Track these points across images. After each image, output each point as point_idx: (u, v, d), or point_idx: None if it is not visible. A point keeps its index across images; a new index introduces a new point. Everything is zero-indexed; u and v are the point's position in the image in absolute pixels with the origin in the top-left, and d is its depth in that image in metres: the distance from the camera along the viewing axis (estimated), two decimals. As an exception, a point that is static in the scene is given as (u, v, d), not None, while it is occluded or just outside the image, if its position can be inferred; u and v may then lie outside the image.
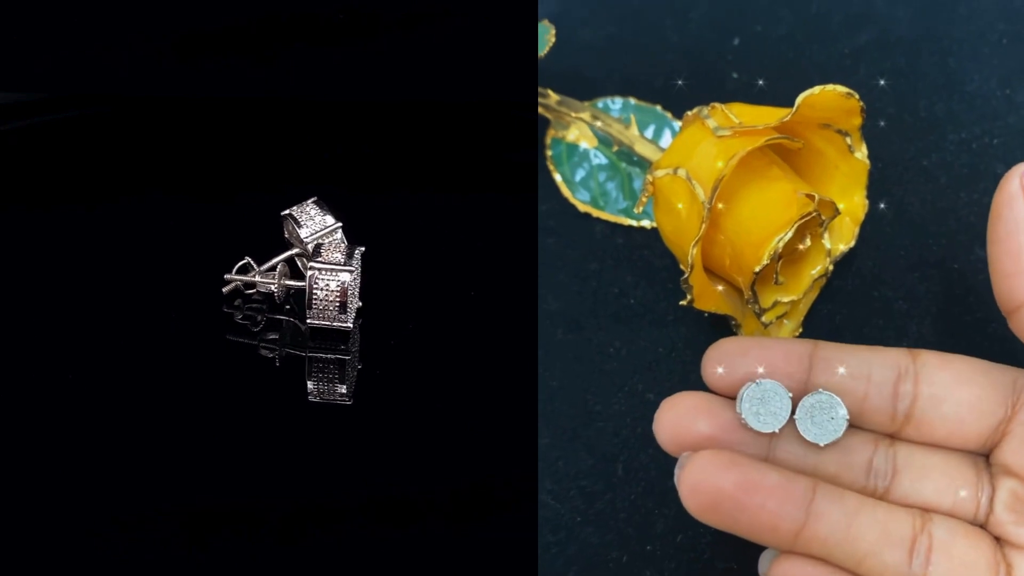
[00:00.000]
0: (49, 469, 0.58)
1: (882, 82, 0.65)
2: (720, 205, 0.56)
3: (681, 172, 0.57)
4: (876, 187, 0.63)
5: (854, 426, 0.50)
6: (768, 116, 0.57)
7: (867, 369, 0.50)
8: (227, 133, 0.77)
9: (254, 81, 0.78)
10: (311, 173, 0.75)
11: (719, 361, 0.50)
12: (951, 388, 0.50)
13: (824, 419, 0.49)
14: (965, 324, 0.61)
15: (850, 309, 0.62)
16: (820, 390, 0.49)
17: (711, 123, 0.57)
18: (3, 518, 0.56)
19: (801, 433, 0.49)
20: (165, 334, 0.63)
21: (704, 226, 0.55)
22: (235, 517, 0.56)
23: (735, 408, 0.50)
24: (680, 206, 0.57)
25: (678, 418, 0.49)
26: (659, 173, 0.58)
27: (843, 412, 0.49)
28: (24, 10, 0.76)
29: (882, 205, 0.63)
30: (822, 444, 0.49)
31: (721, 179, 0.55)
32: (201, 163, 0.75)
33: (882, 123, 0.65)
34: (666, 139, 0.67)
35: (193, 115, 0.78)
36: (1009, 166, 0.63)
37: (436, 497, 0.57)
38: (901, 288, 0.62)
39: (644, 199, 0.59)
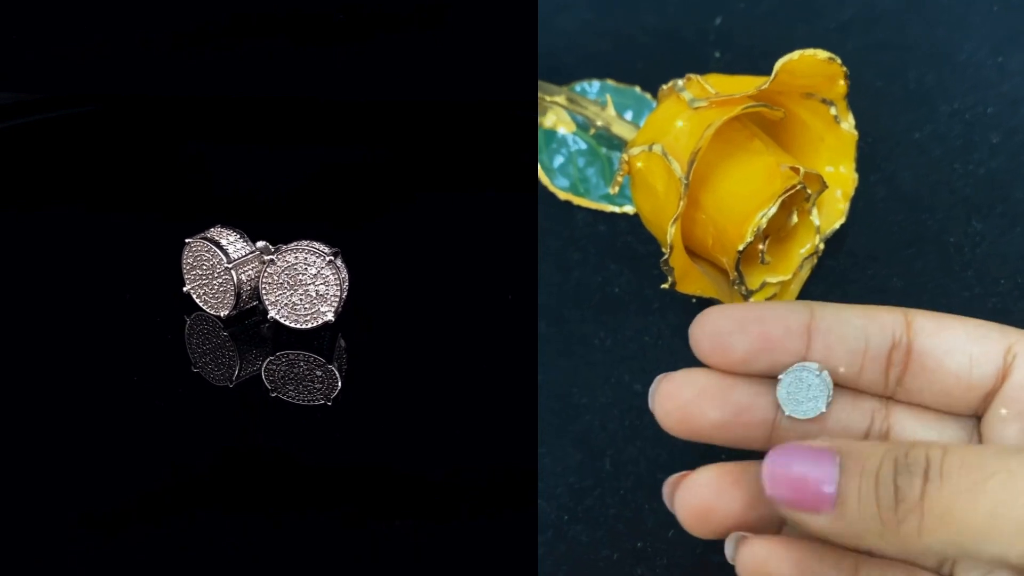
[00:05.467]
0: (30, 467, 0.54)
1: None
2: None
3: (656, 148, 0.51)
4: (867, 162, 0.59)
5: (849, 388, 0.47)
6: (746, 85, 0.51)
7: (863, 341, 0.45)
8: (226, 133, 0.76)
9: (254, 81, 0.77)
10: (311, 172, 0.73)
11: (711, 337, 0.45)
12: (939, 358, 0.45)
13: (803, 396, 0.46)
14: (963, 300, 0.56)
15: (843, 288, 0.57)
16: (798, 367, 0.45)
17: (686, 95, 0.51)
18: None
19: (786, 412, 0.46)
20: (161, 334, 0.60)
21: (683, 203, 0.50)
22: (232, 520, 0.52)
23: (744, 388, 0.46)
24: (658, 185, 0.51)
25: (685, 404, 0.46)
26: (634, 151, 0.52)
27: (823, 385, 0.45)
28: (24, 10, 0.76)
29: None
30: (801, 418, 0.46)
31: (697, 152, 0.49)
32: (199, 163, 0.74)
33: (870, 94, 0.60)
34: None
35: (192, 115, 0.77)
36: (1003, 135, 0.60)
37: (431, 494, 0.53)
38: (896, 265, 0.57)
39: (619, 179, 0.53)
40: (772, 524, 0.45)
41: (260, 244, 0.60)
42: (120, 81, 0.77)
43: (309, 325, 0.58)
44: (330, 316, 0.58)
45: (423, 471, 0.54)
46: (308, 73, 0.76)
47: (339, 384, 0.57)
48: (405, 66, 0.76)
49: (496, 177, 0.72)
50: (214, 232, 0.59)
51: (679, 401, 0.45)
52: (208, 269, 0.59)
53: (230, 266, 0.58)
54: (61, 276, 0.64)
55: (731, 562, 0.45)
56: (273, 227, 0.62)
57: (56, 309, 0.61)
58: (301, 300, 0.58)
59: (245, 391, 0.57)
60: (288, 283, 0.58)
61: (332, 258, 0.57)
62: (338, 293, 0.57)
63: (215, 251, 0.58)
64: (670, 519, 0.52)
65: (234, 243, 0.59)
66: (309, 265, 0.57)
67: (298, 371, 0.58)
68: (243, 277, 0.59)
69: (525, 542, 0.51)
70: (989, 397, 0.45)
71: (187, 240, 0.59)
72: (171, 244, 0.62)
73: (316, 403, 0.56)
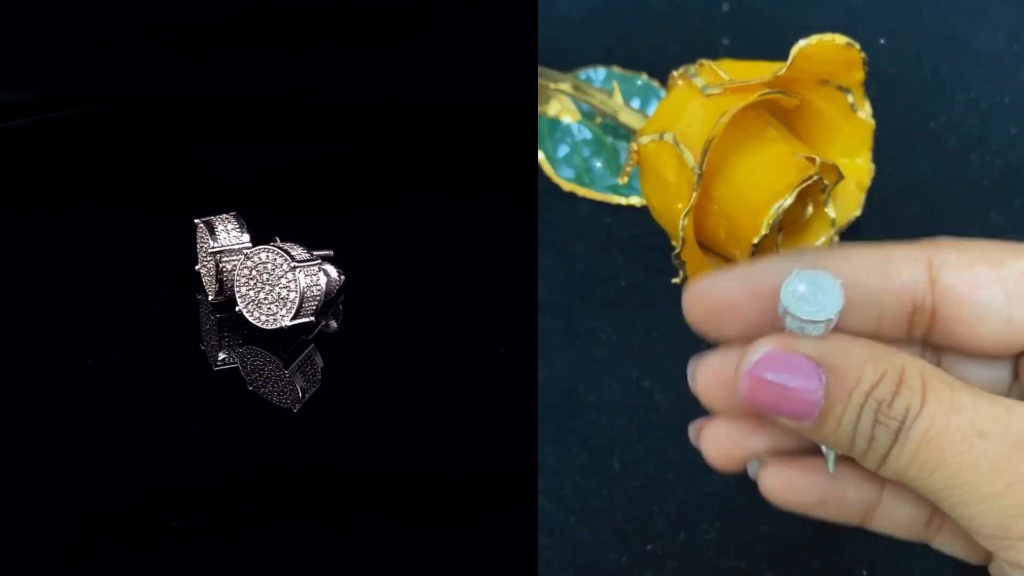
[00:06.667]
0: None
1: (882, 40, 0.58)
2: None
3: (668, 136, 0.49)
4: (881, 152, 0.56)
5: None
6: (761, 71, 0.49)
7: (876, 307, 0.40)
8: (226, 133, 0.75)
9: (253, 81, 0.76)
10: (311, 172, 0.72)
11: (705, 321, 0.41)
12: (971, 324, 0.40)
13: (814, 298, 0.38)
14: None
15: (859, 283, 0.54)
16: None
17: (699, 82, 0.49)
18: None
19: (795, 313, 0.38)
20: (159, 334, 0.59)
21: (695, 194, 0.48)
22: (232, 521, 0.51)
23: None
24: (669, 175, 0.48)
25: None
26: (644, 140, 0.50)
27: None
28: (24, 10, 0.74)
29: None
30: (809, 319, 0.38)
31: (711, 141, 0.46)
32: (199, 162, 0.73)
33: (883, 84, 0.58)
34: (653, 110, 0.59)
35: (191, 115, 0.76)
36: (1021, 126, 0.59)
37: (431, 494, 0.52)
38: (912, 259, 0.54)
39: (628, 169, 0.51)
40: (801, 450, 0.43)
41: (320, 252, 0.58)
42: (120, 81, 0.76)
43: (267, 326, 0.57)
44: (286, 322, 0.56)
45: (422, 470, 0.52)
46: (307, 73, 0.75)
47: (300, 394, 0.56)
48: (405, 66, 0.75)
49: (496, 177, 0.71)
50: (217, 219, 0.58)
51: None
52: (205, 254, 0.59)
53: (214, 249, 0.57)
54: (61, 276, 0.63)
55: (752, 479, 0.42)
56: (273, 227, 0.60)
57: (55, 309, 0.60)
58: (265, 299, 0.56)
59: (244, 390, 0.56)
60: (258, 279, 0.56)
61: (298, 265, 0.56)
62: (297, 301, 0.56)
63: (207, 236, 0.58)
64: (680, 521, 0.51)
65: (229, 232, 0.58)
66: (276, 267, 0.56)
67: (268, 371, 0.57)
68: (228, 267, 0.58)
69: (525, 544, 0.50)
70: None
71: (195, 221, 0.59)
72: (169, 243, 0.61)
73: (284, 406, 0.55)
